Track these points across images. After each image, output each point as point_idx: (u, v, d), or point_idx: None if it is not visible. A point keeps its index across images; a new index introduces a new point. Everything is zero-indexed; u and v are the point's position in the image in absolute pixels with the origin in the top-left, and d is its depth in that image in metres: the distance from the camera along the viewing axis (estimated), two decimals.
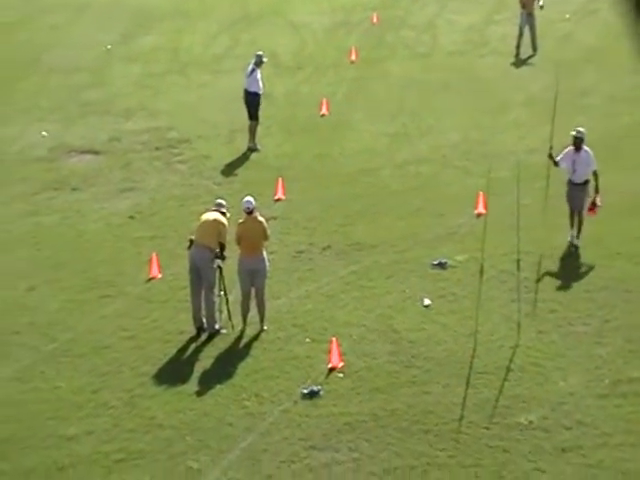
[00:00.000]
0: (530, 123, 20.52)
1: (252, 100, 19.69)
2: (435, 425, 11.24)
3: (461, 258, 14.87)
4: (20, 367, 12.57)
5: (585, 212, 14.89)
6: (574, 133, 14.90)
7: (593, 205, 14.76)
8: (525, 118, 20.90)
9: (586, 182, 14.86)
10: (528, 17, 25.50)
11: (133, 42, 28.39)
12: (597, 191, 14.73)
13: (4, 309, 13.99)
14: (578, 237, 15.01)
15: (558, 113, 21.18)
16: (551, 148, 15.14)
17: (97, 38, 28.47)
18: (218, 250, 13.14)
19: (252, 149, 19.73)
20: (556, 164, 15.07)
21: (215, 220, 13.24)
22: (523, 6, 25.53)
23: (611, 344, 12.59)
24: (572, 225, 15.10)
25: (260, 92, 19.74)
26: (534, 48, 25.63)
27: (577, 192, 14.92)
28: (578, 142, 14.78)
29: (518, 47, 25.46)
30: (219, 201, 13.72)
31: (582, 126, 20.11)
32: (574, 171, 14.84)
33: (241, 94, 19.95)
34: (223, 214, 13.42)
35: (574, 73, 23.94)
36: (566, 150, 14.96)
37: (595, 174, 14.76)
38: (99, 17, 31.26)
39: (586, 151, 14.80)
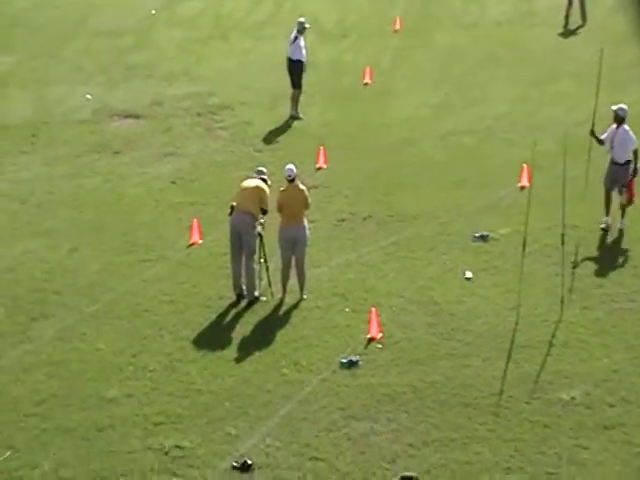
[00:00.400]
0: (578, 95, 20.10)
1: (295, 68, 19.53)
2: (474, 399, 11.14)
3: (504, 231, 14.69)
4: (62, 327, 12.64)
5: (622, 196, 14.29)
6: (614, 108, 14.47)
7: (627, 188, 14.15)
8: (573, 90, 20.49)
9: (628, 162, 14.32)
10: None
11: (177, 7, 28.27)
12: (635, 173, 14.18)
13: (46, 270, 14.06)
14: (622, 216, 14.46)
15: (608, 85, 20.85)
16: (593, 125, 14.72)
17: (142, 2, 28.39)
18: (260, 216, 13.09)
19: (294, 117, 19.59)
20: (600, 142, 14.62)
21: (256, 187, 13.18)
22: None
23: None
24: (607, 211, 14.46)
25: (303, 60, 19.57)
26: (583, 18, 25.14)
27: (615, 172, 14.38)
28: (619, 119, 14.32)
29: (567, 17, 24.99)
30: (260, 168, 13.65)
31: (631, 98, 19.71)
32: (612, 149, 14.40)
33: (283, 61, 19.80)
34: (264, 181, 13.35)
35: (624, 44, 23.43)
36: (610, 128, 14.54)
37: (636, 153, 14.24)
38: None
39: (625, 129, 14.29)
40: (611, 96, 20.02)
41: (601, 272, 13.55)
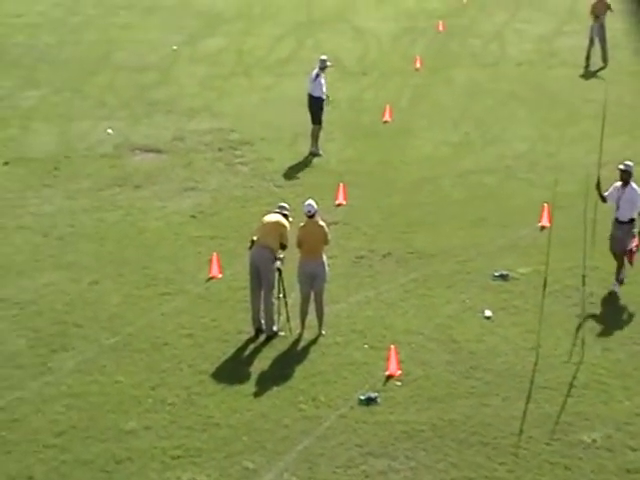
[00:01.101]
0: (599, 136, 20.08)
1: (315, 104, 19.70)
2: (494, 438, 11.07)
3: (524, 271, 14.67)
4: (82, 359, 12.66)
5: (625, 256, 13.80)
6: (621, 167, 13.82)
7: (632, 252, 13.67)
8: (594, 131, 20.39)
9: (631, 221, 13.71)
10: (599, 29, 25.17)
11: (199, 43, 28.62)
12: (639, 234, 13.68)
13: (68, 302, 14.13)
14: (617, 281, 13.84)
15: (629, 127, 20.93)
16: (599, 180, 14.13)
17: (164, 38, 28.78)
18: (279, 251, 13.14)
19: (314, 154, 19.71)
20: (603, 200, 13.98)
21: (277, 222, 13.25)
22: (595, 18, 25.19)
23: None
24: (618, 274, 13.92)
25: (323, 97, 19.75)
26: (604, 60, 25.28)
27: (619, 231, 13.77)
28: (625, 176, 13.72)
29: (588, 58, 25.15)
30: (282, 204, 13.72)
31: None
32: (618, 207, 13.77)
33: (304, 98, 19.97)
34: (285, 216, 13.42)
35: None
36: (614, 185, 13.96)
37: None
38: (167, 18, 31.62)
39: (633, 188, 13.77)
40: (633, 138, 20.15)
41: (621, 314, 13.48)
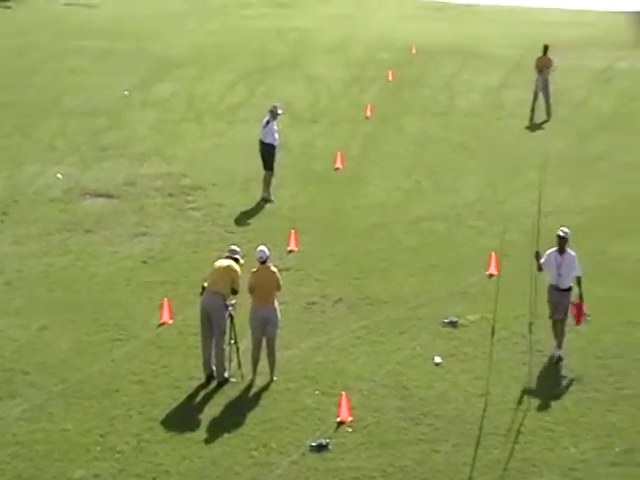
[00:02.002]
0: (545, 186, 20.45)
1: (267, 151, 19.87)
2: None
3: (473, 318, 14.85)
4: (29, 407, 12.48)
5: (573, 321, 13.64)
6: (560, 234, 13.50)
7: (580, 312, 13.55)
8: (539, 182, 20.96)
9: (570, 288, 13.53)
10: (543, 83, 25.84)
11: (151, 88, 28.76)
12: (582, 299, 13.52)
13: (15, 348, 13.94)
14: (560, 347, 13.59)
15: (572, 178, 21.46)
16: (538, 253, 13.48)
17: (116, 83, 28.86)
18: (231, 298, 13.15)
19: (266, 199, 19.83)
20: (540, 268, 13.50)
21: (228, 267, 13.28)
22: (539, 72, 25.87)
23: (623, 412, 12.51)
24: (556, 334, 13.68)
25: (275, 143, 19.93)
26: (548, 113, 25.93)
27: (562, 298, 13.49)
28: (563, 243, 13.42)
29: (532, 111, 25.77)
30: (233, 247, 13.78)
31: (594, 191, 20.26)
32: (559, 275, 13.45)
33: (256, 144, 20.14)
34: (236, 261, 13.45)
35: (588, 139, 24.20)
36: (549, 252, 13.55)
37: (579, 279, 13.46)
38: (118, 63, 31.74)
39: (571, 254, 13.48)
40: (576, 189, 20.64)
41: (568, 362, 13.64)
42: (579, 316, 13.65)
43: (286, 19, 41.90)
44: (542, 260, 13.56)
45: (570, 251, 13.56)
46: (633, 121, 26.07)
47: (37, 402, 12.59)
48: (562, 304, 13.58)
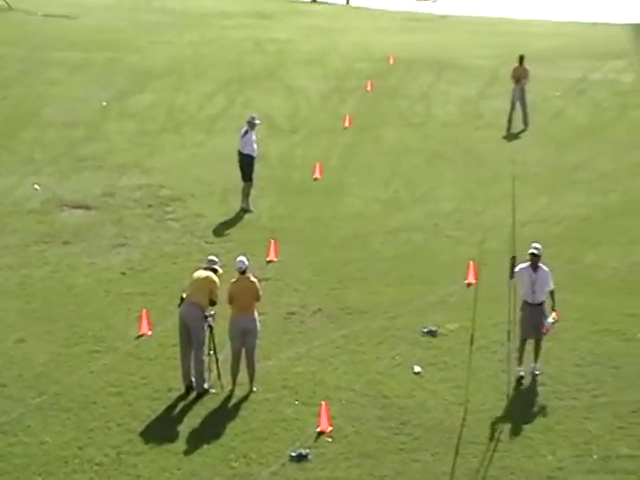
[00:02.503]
0: (522, 196, 20.67)
1: (246, 162, 19.89)
2: None
3: (452, 327, 14.91)
4: (6, 420, 12.39)
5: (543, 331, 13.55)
6: (534, 251, 13.34)
7: (549, 324, 13.50)
8: (517, 191, 20.94)
9: (543, 302, 13.47)
10: (520, 92, 26.03)
11: (129, 99, 28.72)
12: (554, 309, 13.49)
13: None
14: (537, 361, 13.55)
15: (550, 188, 21.62)
16: (514, 258, 13.17)
17: (93, 94, 28.79)
18: (209, 309, 13.14)
19: (245, 210, 19.84)
20: (512, 276, 13.15)
21: (206, 278, 13.27)
22: (516, 81, 26.06)
23: (600, 419, 12.58)
24: (521, 360, 13.46)
25: (254, 154, 19.94)
26: (525, 123, 26.12)
27: (536, 315, 13.39)
28: (536, 260, 13.32)
29: (510, 121, 25.95)
30: (211, 257, 13.76)
31: (570, 201, 20.37)
32: (533, 293, 13.37)
33: (235, 155, 20.15)
34: (215, 271, 13.44)
35: (565, 149, 24.41)
36: (522, 267, 13.31)
37: (552, 293, 13.44)
38: (96, 74, 31.68)
39: (544, 270, 13.40)
40: (553, 198, 20.80)
41: (546, 370, 13.73)
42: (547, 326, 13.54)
43: (265, 30, 42.00)
44: (515, 270, 13.35)
45: (543, 267, 13.46)
46: (608, 131, 26.31)
47: (14, 415, 12.50)
48: (536, 319, 13.46)
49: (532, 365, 13.64)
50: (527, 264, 13.46)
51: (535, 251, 13.44)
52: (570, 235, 18.68)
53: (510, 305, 13.04)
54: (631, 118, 27.59)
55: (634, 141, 25.16)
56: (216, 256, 14.08)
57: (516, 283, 13.29)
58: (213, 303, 13.23)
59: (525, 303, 13.53)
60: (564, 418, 12.64)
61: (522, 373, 13.60)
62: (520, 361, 13.58)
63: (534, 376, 13.60)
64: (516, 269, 13.28)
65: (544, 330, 13.58)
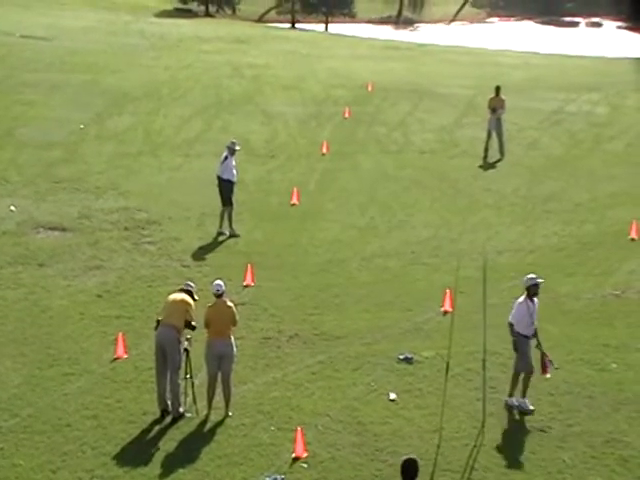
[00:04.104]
0: (498, 224, 20.98)
1: (225, 187, 19.91)
2: None
3: (427, 354, 14.95)
4: None
5: (539, 372, 13.53)
6: (539, 281, 13.41)
7: (546, 362, 13.52)
8: (493, 220, 21.35)
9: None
10: (497, 122, 26.30)
11: (106, 122, 28.71)
12: (541, 345, 13.50)
13: None
14: (524, 396, 13.45)
15: (525, 217, 21.81)
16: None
17: (70, 116, 28.75)
18: (185, 331, 13.11)
19: (232, 235, 19.72)
20: (544, 370, 13.35)
21: (182, 300, 13.25)
22: (492, 111, 26.33)
23: (573, 449, 12.64)
24: (513, 390, 13.47)
25: (233, 179, 19.97)
26: (501, 152, 26.39)
27: (531, 346, 13.39)
28: (536, 290, 13.36)
29: (486, 150, 26.21)
30: (188, 283, 13.77)
31: (545, 231, 20.47)
32: (532, 324, 13.35)
33: (212, 178, 20.18)
34: (190, 294, 13.41)
35: (540, 179, 24.66)
36: (520, 302, 13.42)
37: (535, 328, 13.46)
38: (73, 96, 31.66)
39: (535, 300, 13.47)
40: (528, 228, 20.99)
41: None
42: (546, 366, 13.57)
43: (243, 55, 42.23)
44: (513, 313, 13.35)
45: (534, 298, 13.52)
46: (583, 162, 26.64)
47: None
48: (531, 352, 13.38)
49: (514, 401, 13.55)
50: (522, 297, 13.43)
51: (540, 281, 13.42)
52: (545, 264, 18.82)
53: (485, 334, 13.11)
54: (605, 150, 27.97)
55: (609, 172, 25.50)
56: (192, 280, 14.07)
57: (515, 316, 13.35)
58: (190, 325, 13.19)
59: (522, 336, 13.37)
60: (538, 447, 12.69)
61: (515, 404, 13.53)
62: (511, 391, 13.54)
63: (526, 413, 13.40)
64: (517, 302, 13.37)
65: (545, 371, 13.54)
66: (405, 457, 9.30)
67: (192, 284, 13.71)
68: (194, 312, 13.22)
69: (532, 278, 13.54)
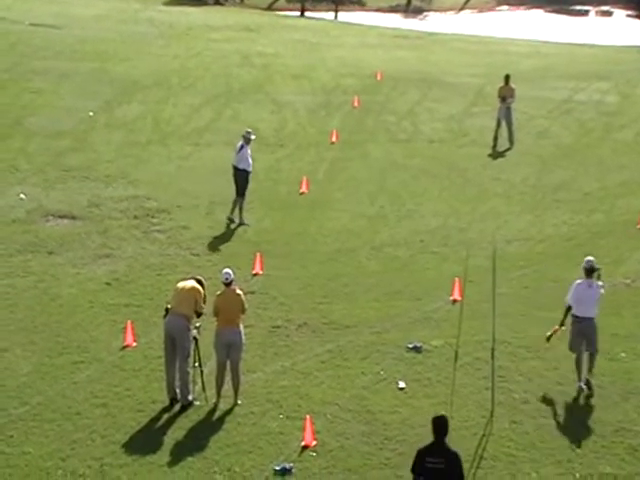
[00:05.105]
0: (507, 213, 20.92)
1: (241, 177, 19.88)
2: None
3: (436, 343, 14.94)
4: None
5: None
6: (586, 265, 13.71)
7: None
8: (502, 209, 21.28)
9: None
10: (507, 111, 26.18)
11: (115, 110, 28.67)
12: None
13: None
14: (591, 370, 13.74)
15: (534, 206, 21.74)
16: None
17: (80, 104, 28.72)
18: (194, 320, 13.13)
19: (241, 223, 19.74)
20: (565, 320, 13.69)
21: (191, 288, 13.24)
22: (502, 100, 26.21)
23: (583, 438, 12.60)
24: (581, 375, 13.67)
25: (249, 169, 19.92)
26: (511, 141, 26.27)
27: (587, 328, 13.65)
28: (591, 272, 13.70)
29: (495, 139, 26.10)
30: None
31: (555, 220, 20.37)
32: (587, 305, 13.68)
33: (222, 167, 20.17)
34: (200, 282, 13.40)
35: (549, 168, 24.57)
36: (577, 282, 13.74)
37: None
38: (82, 84, 31.60)
39: (598, 285, 13.85)
40: (538, 217, 20.92)
41: (529, 388, 13.78)
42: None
43: (252, 44, 42.11)
44: (570, 295, 13.60)
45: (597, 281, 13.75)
46: (593, 151, 26.51)
47: None
48: (589, 332, 13.64)
49: (581, 380, 13.67)
50: (582, 279, 13.67)
51: (587, 264, 13.71)
52: (554, 254, 18.78)
53: (494, 323, 13.09)
54: (615, 139, 27.83)
55: (618, 161, 25.37)
56: (201, 269, 14.10)
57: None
58: (199, 314, 13.22)
59: (580, 318, 13.61)
60: (548, 436, 12.67)
61: (582, 383, 13.71)
62: (580, 375, 13.67)
63: (588, 387, 13.58)
64: (576, 284, 13.64)
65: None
66: (436, 415, 9.88)
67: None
68: (203, 300, 13.22)
69: (588, 262, 13.74)
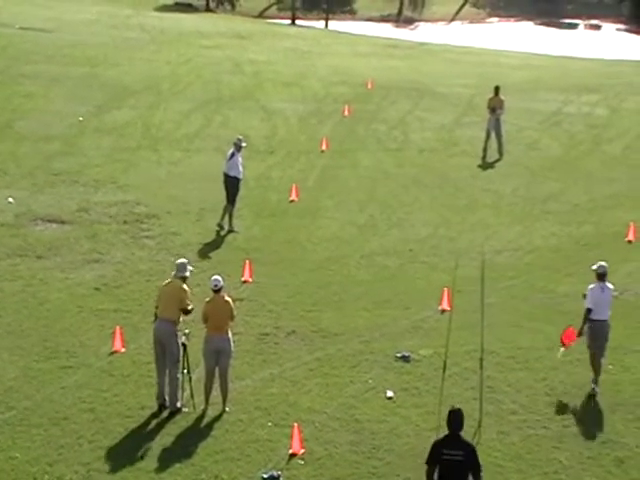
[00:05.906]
0: (496, 224, 20.98)
1: (232, 184, 19.85)
2: None
3: (425, 352, 14.95)
4: None
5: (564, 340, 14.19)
6: (596, 268, 14.09)
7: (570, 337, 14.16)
8: (492, 219, 21.35)
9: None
10: (496, 122, 26.29)
11: (106, 115, 28.65)
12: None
13: None
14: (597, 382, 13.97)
15: (523, 217, 21.83)
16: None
17: (70, 109, 28.69)
18: (182, 326, 13.08)
19: (230, 230, 19.74)
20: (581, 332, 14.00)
21: (175, 288, 13.09)
22: (492, 111, 26.31)
23: (570, 450, 12.65)
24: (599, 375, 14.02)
25: (240, 176, 19.90)
26: (500, 153, 26.38)
27: (603, 329, 14.03)
28: (602, 276, 14.02)
29: (485, 150, 26.20)
30: (181, 261, 13.46)
31: (543, 231, 20.44)
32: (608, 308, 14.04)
33: (212, 173, 20.14)
34: (184, 279, 13.30)
35: (538, 180, 24.68)
36: (592, 287, 13.99)
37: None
38: (72, 89, 31.58)
39: (610, 287, 14.16)
40: (526, 228, 21.00)
41: (517, 399, 13.81)
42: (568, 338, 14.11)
43: (243, 51, 42.19)
44: (588, 299, 13.85)
45: (608, 284, 14.07)
46: (582, 164, 26.65)
47: None
48: (605, 334, 14.04)
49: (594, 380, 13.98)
50: (596, 283, 13.97)
51: (595, 267, 14.11)
52: (543, 265, 18.85)
53: (482, 333, 13.12)
54: (604, 151, 27.99)
55: (607, 174, 25.52)
56: (190, 275, 13.81)
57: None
58: (187, 312, 13.12)
59: (597, 321, 13.91)
60: (534, 447, 12.70)
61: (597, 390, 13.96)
62: (597, 377, 13.96)
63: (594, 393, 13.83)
64: (590, 288, 13.92)
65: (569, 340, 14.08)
66: (452, 408, 10.24)
67: (185, 260, 13.49)
68: (188, 298, 13.06)
69: (597, 265, 14.09)
